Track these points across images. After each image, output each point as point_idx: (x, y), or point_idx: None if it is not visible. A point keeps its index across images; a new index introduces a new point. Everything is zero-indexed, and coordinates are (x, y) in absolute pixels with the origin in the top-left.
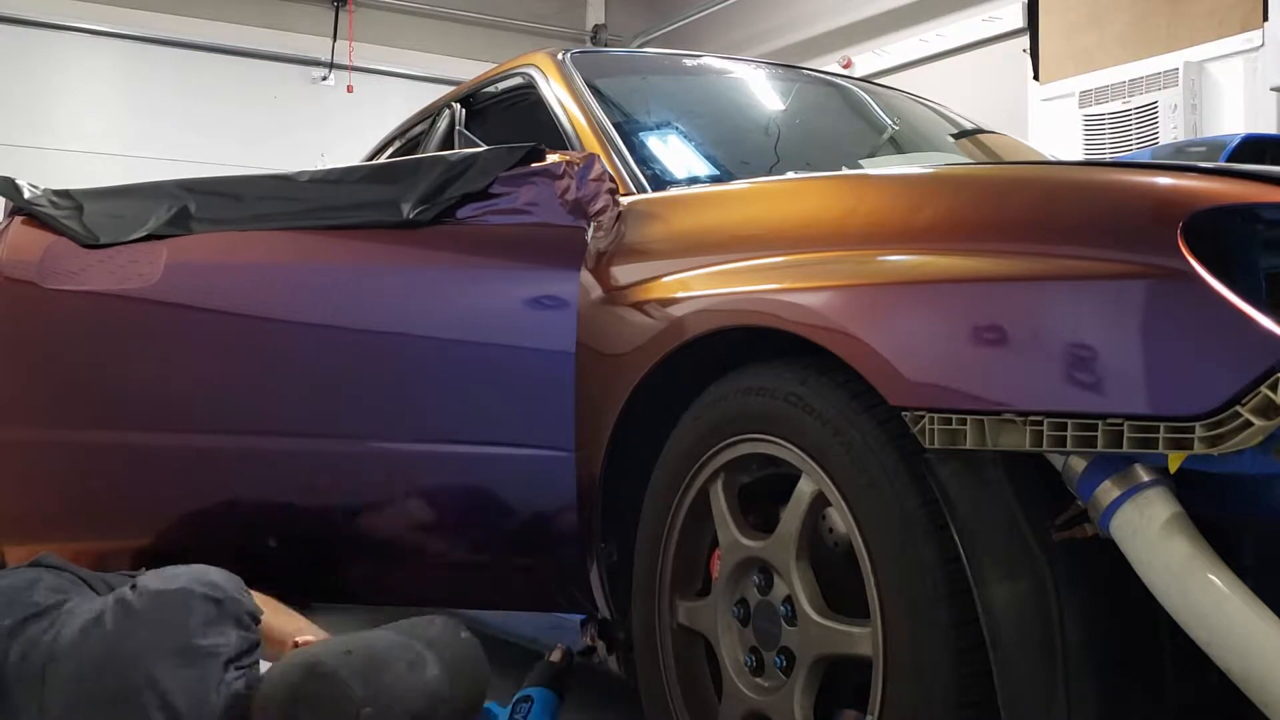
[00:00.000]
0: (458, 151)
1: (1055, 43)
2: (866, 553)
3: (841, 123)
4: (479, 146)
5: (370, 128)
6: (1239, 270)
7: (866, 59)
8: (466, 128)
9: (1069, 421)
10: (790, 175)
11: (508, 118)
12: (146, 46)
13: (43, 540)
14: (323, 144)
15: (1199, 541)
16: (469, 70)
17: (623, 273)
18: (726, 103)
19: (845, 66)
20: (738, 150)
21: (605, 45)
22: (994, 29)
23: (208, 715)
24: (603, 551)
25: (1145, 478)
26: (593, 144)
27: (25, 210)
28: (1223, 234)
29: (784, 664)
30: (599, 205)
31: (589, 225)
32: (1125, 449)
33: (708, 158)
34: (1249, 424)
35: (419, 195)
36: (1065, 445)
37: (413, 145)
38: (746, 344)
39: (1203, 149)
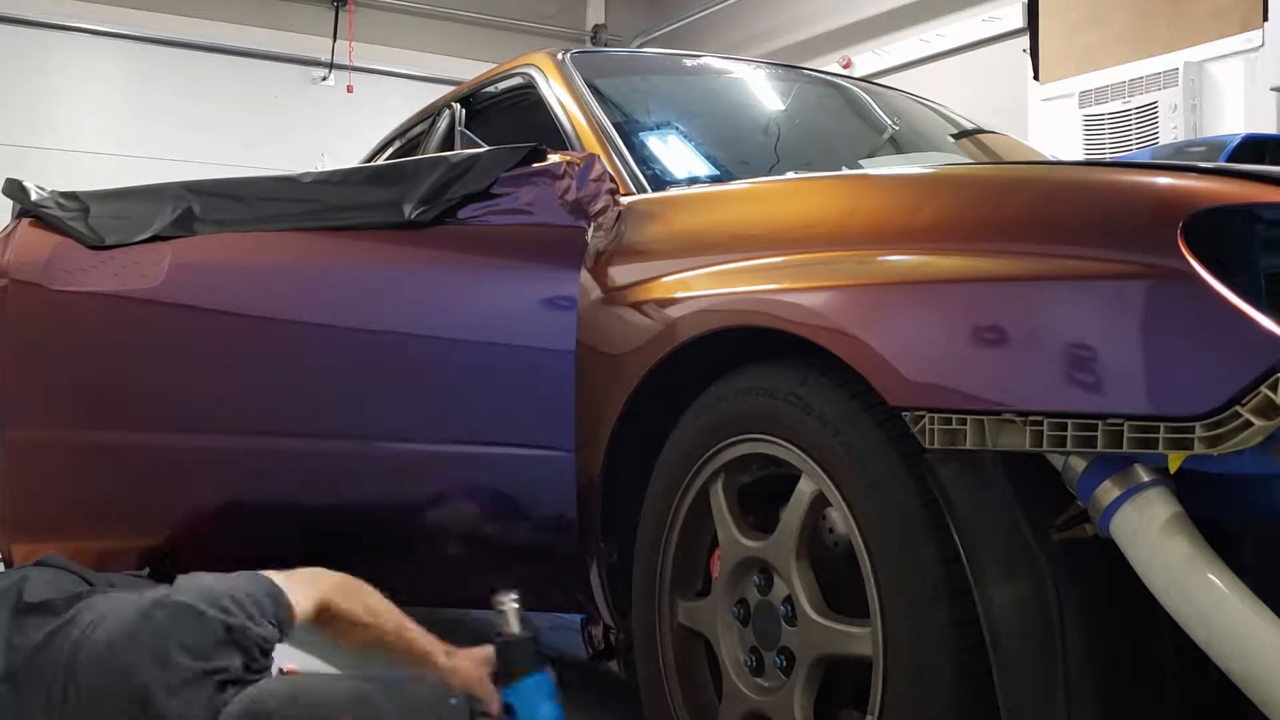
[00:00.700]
0: (459, 152)
1: (1055, 43)
2: (866, 553)
3: (841, 123)
4: (481, 147)
5: (370, 128)
6: (1239, 270)
7: (866, 59)
8: (467, 128)
9: (1069, 421)
10: (790, 175)
11: (508, 118)
12: (147, 46)
13: (49, 539)
14: (323, 144)
15: (1199, 541)
16: (469, 70)
17: (623, 273)
18: (726, 103)
19: (845, 66)
20: (737, 150)
21: (605, 45)
22: (994, 29)
23: None
24: (603, 551)
25: (1145, 478)
26: (593, 144)
27: (32, 212)
28: (1223, 234)
29: (784, 664)
30: (599, 205)
31: (589, 225)
32: (1125, 449)
33: (708, 158)
34: (1249, 424)
35: (420, 196)
36: (1065, 445)
37: (413, 145)
38: (747, 344)
39: (1203, 149)
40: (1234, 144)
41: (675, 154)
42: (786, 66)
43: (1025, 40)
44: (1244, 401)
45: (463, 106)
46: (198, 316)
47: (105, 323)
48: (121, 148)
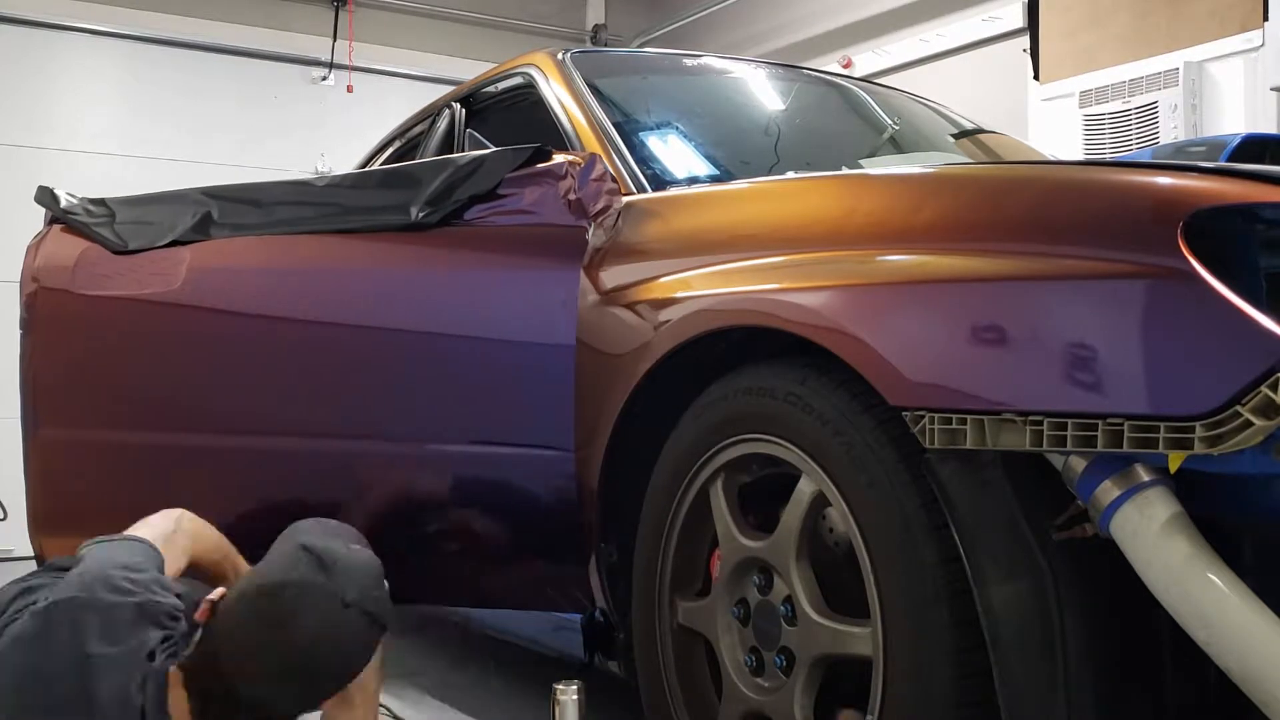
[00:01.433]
0: (465, 154)
1: (1055, 43)
2: (866, 553)
3: (841, 123)
4: (486, 148)
5: (370, 128)
6: (1239, 270)
7: (866, 59)
8: (467, 128)
9: (1069, 421)
10: (790, 175)
11: (508, 118)
12: (147, 46)
13: (79, 536)
14: (323, 144)
15: (1199, 541)
16: (469, 70)
17: (623, 272)
18: (726, 103)
19: (845, 66)
20: (738, 150)
21: (605, 45)
22: (994, 29)
23: (136, 705)
24: (603, 551)
25: (1145, 478)
26: (593, 144)
27: (62, 219)
28: (1223, 234)
29: (784, 664)
30: (600, 205)
31: (590, 225)
32: (1125, 449)
33: (708, 157)
34: (1249, 424)
35: (427, 198)
36: (1065, 445)
37: (413, 145)
38: (747, 344)
39: (1203, 149)
40: (1234, 144)
41: (675, 154)
42: (786, 66)
43: (1025, 40)
44: (1244, 401)
45: (463, 106)
46: (212, 318)
47: (129, 326)
48: (121, 147)
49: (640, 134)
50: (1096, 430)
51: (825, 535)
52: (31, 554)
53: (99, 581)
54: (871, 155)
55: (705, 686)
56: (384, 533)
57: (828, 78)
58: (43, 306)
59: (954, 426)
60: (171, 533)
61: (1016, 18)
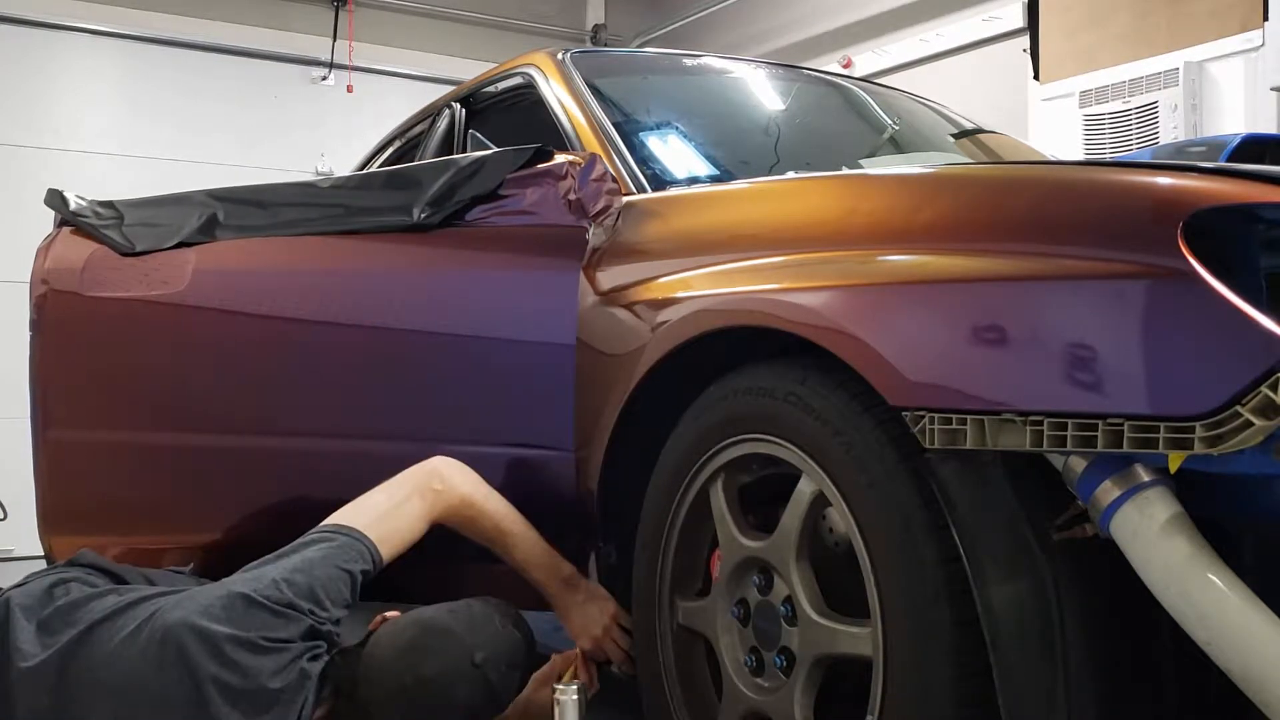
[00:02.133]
0: (467, 155)
1: (1055, 43)
2: (866, 553)
3: (841, 123)
4: (489, 148)
5: (370, 128)
6: (1239, 270)
7: (866, 59)
8: (466, 128)
9: (1069, 421)
10: (790, 175)
11: (508, 118)
12: (146, 46)
13: (86, 535)
14: (322, 144)
15: (1199, 541)
16: (469, 70)
17: (623, 272)
18: (726, 103)
19: (845, 66)
20: (737, 150)
21: (605, 45)
22: (994, 29)
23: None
24: (603, 551)
25: (1145, 478)
26: (593, 144)
27: (71, 222)
28: (1223, 234)
29: (784, 664)
30: (600, 205)
31: (590, 225)
32: (1125, 449)
33: (708, 157)
34: (1249, 424)
35: (428, 199)
36: (1065, 445)
37: (413, 145)
38: (747, 344)
39: (1203, 149)
40: (1234, 144)
41: (675, 154)
42: (786, 66)
43: (1025, 40)
44: (1244, 401)
45: (463, 106)
46: (218, 319)
47: (137, 327)
48: (121, 148)
49: (640, 134)
50: (1096, 430)
51: (825, 535)
52: (32, 554)
53: (252, 580)
54: (871, 155)
55: (705, 686)
56: None
57: (828, 78)
58: (52, 308)
59: (954, 427)
60: (399, 503)
61: (1016, 18)
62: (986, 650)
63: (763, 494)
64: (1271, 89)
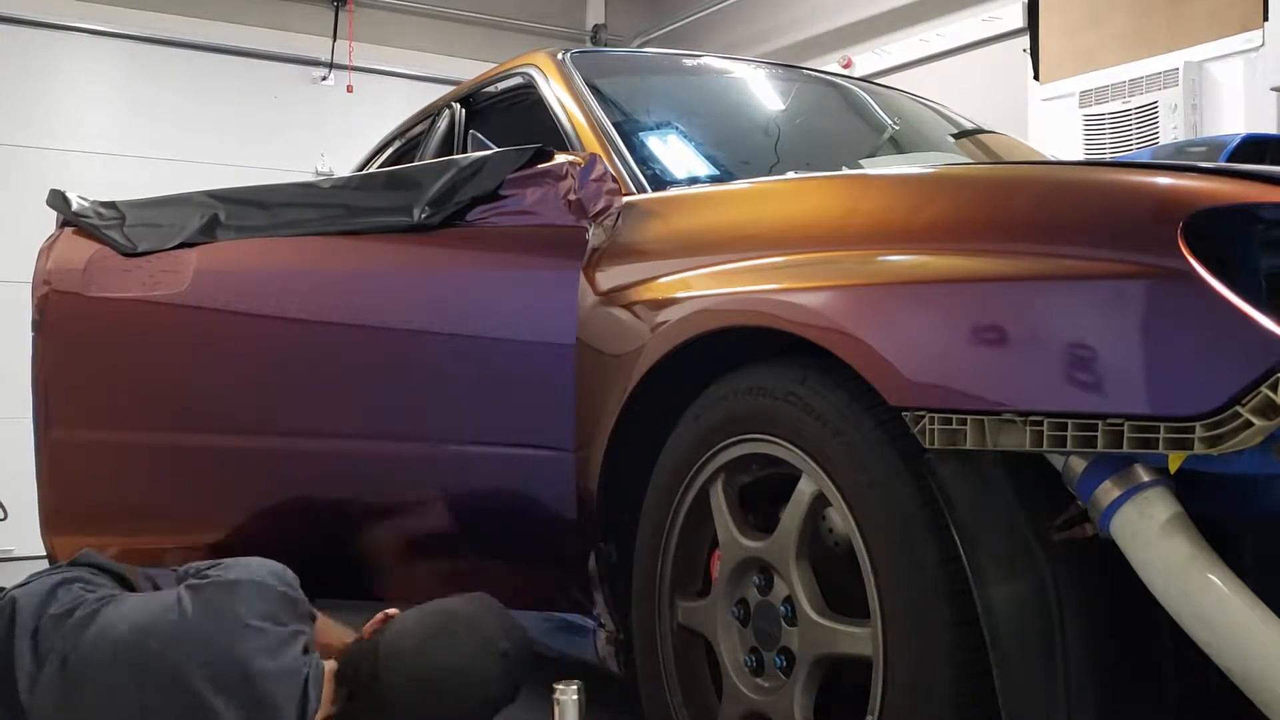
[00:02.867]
0: (468, 155)
1: (1055, 43)
2: (866, 553)
3: (841, 123)
4: (490, 148)
5: (370, 128)
6: (1239, 270)
7: (866, 59)
8: (466, 128)
9: (1069, 421)
10: (790, 175)
11: (508, 118)
12: (146, 46)
13: (88, 535)
14: (322, 143)
15: (1199, 541)
16: (469, 70)
17: (623, 272)
18: (726, 103)
19: (845, 66)
20: (738, 150)
21: (605, 45)
22: (994, 29)
23: (301, 675)
24: (603, 551)
25: (1145, 478)
26: (593, 144)
27: (73, 222)
28: (1223, 234)
29: (784, 664)
30: (600, 205)
31: (590, 225)
32: (1125, 449)
33: (708, 157)
34: (1249, 424)
35: (429, 199)
36: (1065, 445)
37: (413, 145)
38: (747, 344)
39: (1203, 149)
40: (1234, 144)
41: (675, 154)
42: (786, 66)
43: (1025, 40)
44: (1244, 401)
45: (463, 106)
46: (219, 319)
47: (138, 327)
48: (121, 148)
49: (640, 134)
50: (1096, 430)
51: (825, 535)
52: (32, 554)
53: (269, 572)
54: (871, 155)
55: (705, 686)
56: (385, 532)
57: (828, 78)
58: (54, 308)
59: (954, 427)
60: None
61: (1016, 18)
62: (986, 650)
63: (763, 494)
64: (1271, 89)
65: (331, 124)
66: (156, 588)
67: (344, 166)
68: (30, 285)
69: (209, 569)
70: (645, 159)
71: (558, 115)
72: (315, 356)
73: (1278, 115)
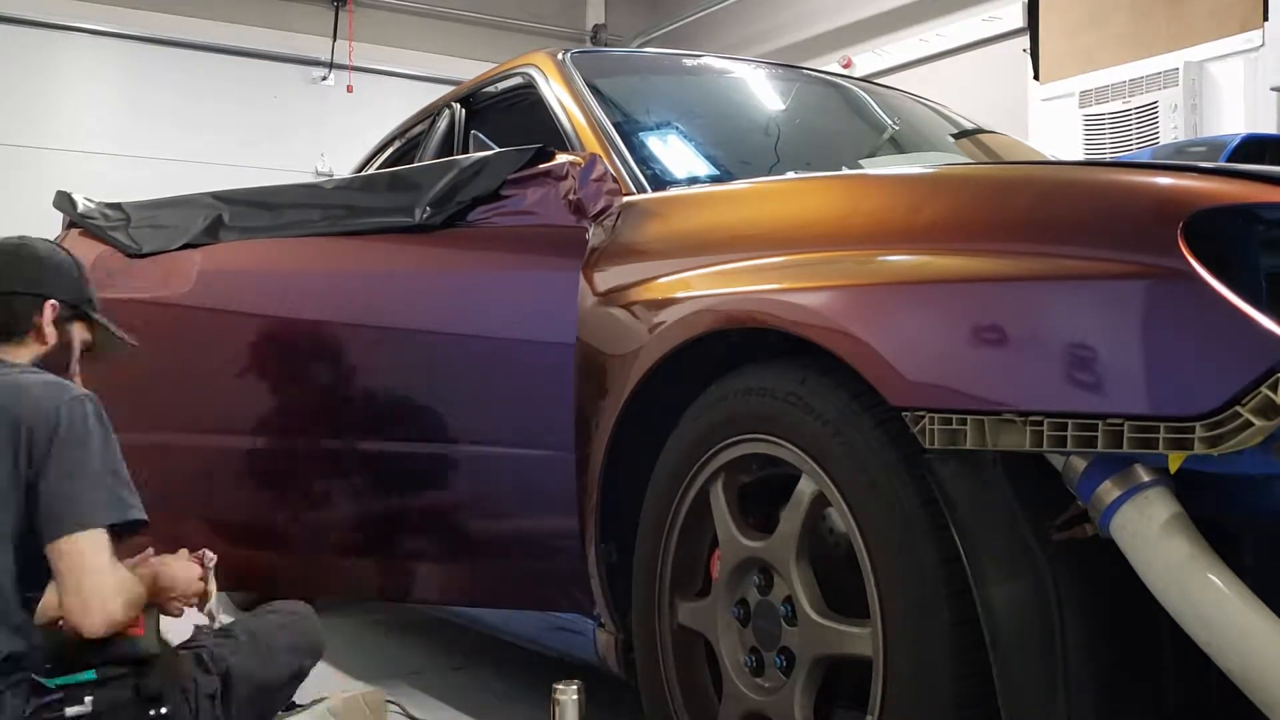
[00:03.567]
0: (469, 155)
1: (1055, 43)
2: (866, 553)
3: (841, 123)
4: (491, 148)
5: (370, 128)
6: (1239, 270)
7: (866, 59)
8: (467, 128)
9: (1069, 421)
10: (790, 175)
11: (508, 118)
12: (147, 46)
13: None
14: (322, 144)
15: (1199, 541)
16: (469, 70)
17: (623, 272)
18: (726, 103)
19: (845, 66)
20: (738, 150)
21: (605, 45)
22: (994, 29)
23: None
24: (603, 551)
25: (1145, 478)
26: (593, 144)
27: (79, 223)
28: (1223, 234)
29: (784, 664)
30: (600, 205)
31: (590, 225)
32: (1125, 449)
33: (708, 157)
34: (1249, 424)
35: (430, 199)
36: (1065, 445)
37: (413, 145)
38: (747, 344)
39: (1203, 149)
40: (1234, 144)
41: (675, 154)
42: (786, 66)
43: (1025, 40)
44: (1244, 401)
45: (463, 106)
46: (222, 319)
47: (143, 327)
48: (121, 148)
49: (640, 134)
50: (1096, 430)
51: (825, 535)
52: None
53: None
54: (871, 155)
55: (705, 686)
56: (385, 532)
57: (828, 78)
58: None
59: (954, 427)
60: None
61: (1016, 18)
62: (986, 650)
63: (763, 494)
64: (1271, 89)
65: (331, 124)
66: None
67: (344, 166)
68: None
69: None
70: (645, 159)
71: (558, 115)
72: (317, 357)
73: (1278, 115)
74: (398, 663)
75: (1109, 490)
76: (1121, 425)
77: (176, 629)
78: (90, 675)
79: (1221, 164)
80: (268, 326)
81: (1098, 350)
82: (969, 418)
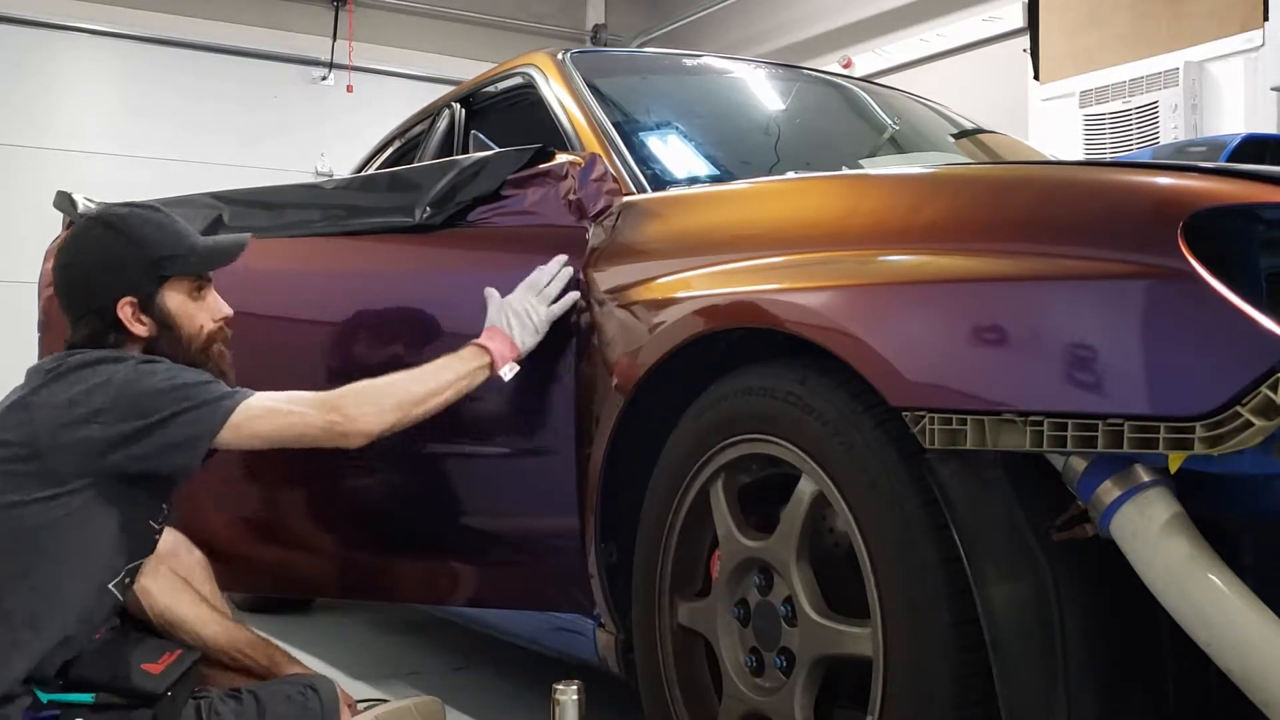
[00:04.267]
0: (469, 155)
1: (1055, 43)
2: (866, 553)
3: (841, 123)
4: (491, 148)
5: (370, 128)
6: (1239, 270)
7: (866, 59)
8: (466, 128)
9: (1069, 421)
10: (790, 175)
11: (507, 118)
12: (146, 46)
13: None
14: (322, 144)
15: (1199, 541)
16: (469, 70)
17: (623, 272)
18: (726, 103)
19: (845, 66)
20: (738, 150)
21: (605, 45)
22: (994, 29)
23: None
24: (603, 551)
25: (1145, 478)
26: (593, 144)
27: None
28: (1223, 234)
29: (784, 664)
30: (600, 205)
31: (590, 225)
32: (1125, 449)
33: (708, 157)
34: (1249, 424)
35: (430, 199)
36: (1065, 445)
37: (412, 145)
38: (747, 344)
39: (1203, 149)
40: (1234, 144)
41: (675, 154)
42: (786, 66)
43: (1025, 40)
44: (1244, 402)
45: (463, 106)
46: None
47: None
48: (121, 148)
49: (640, 134)
50: (1096, 430)
51: (825, 535)
52: None
53: None
54: (871, 155)
55: (705, 686)
56: (385, 533)
57: (828, 78)
58: (58, 311)
59: (954, 427)
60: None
61: (1016, 18)
62: (986, 650)
63: (763, 494)
64: (1271, 89)
65: (331, 124)
66: None
67: (344, 166)
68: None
69: None
70: (645, 159)
71: (558, 115)
72: (317, 356)
73: (1278, 115)
74: (398, 663)
75: (1109, 490)
76: (1121, 425)
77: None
78: (88, 698)
79: (1221, 164)
80: (266, 326)
81: (1098, 350)
82: (969, 418)
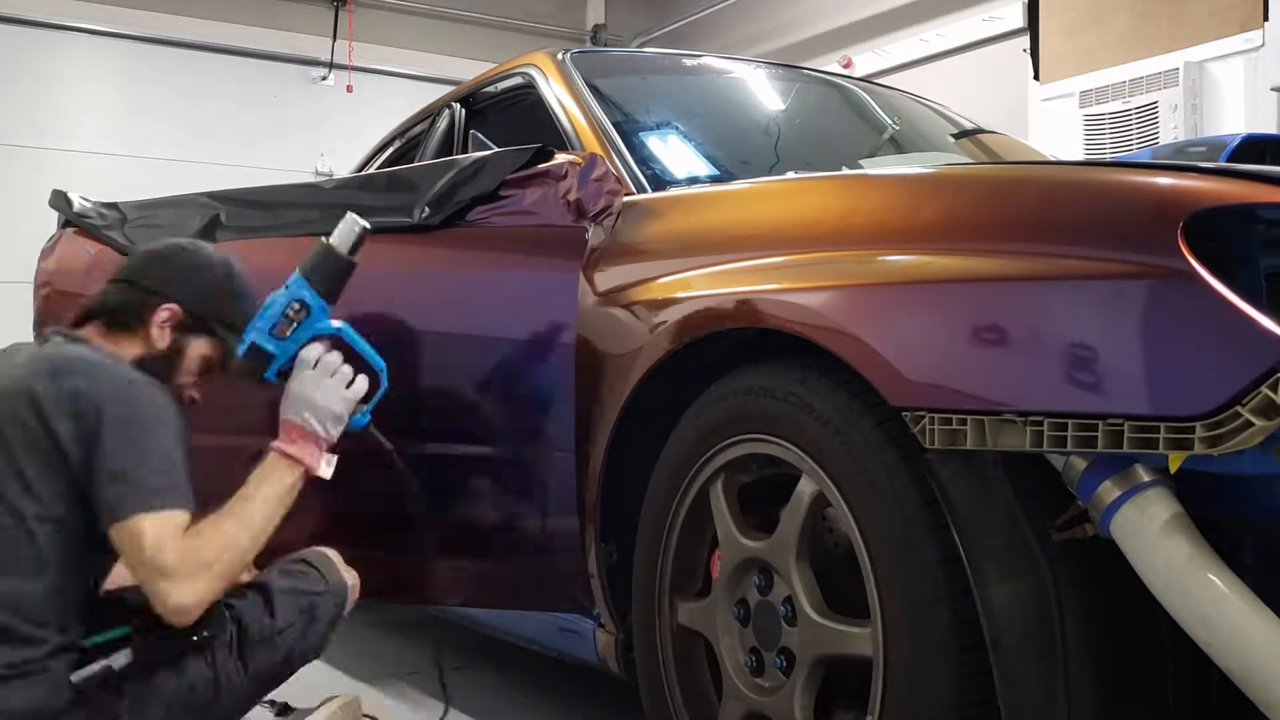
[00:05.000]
0: (468, 155)
1: (1055, 43)
2: (866, 553)
3: (841, 123)
4: (490, 148)
5: (370, 127)
6: (1239, 270)
7: (866, 59)
8: (466, 128)
9: (1069, 421)
10: (790, 175)
11: (507, 118)
12: (146, 46)
13: None
14: (322, 144)
15: (1199, 541)
16: (469, 70)
17: (623, 272)
18: (726, 103)
19: (845, 66)
20: (738, 150)
21: (605, 45)
22: (994, 29)
23: None
24: (603, 551)
25: (1145, 478)
26: (593, 144)
27: (75, 222)
28: (1223, 234)
29: (784, 664)
30: (600, 205)
31: (590, 225)
32: (1125, 449)
33: (708, 157)
34: (1249, 424)
35: (429, 199)
36: (1065, 445)
37: (412, 145)
38: (747, 344)
39: (1203, 149)
40: (1234, 144)
41: (675, 154)
42: (786, 66)
43: (1025, 40)
44: (1244, 402)
45: (463, 106)
46: None
47: None
48: (121, 148)
49: (640, 134)
50: (1097, 430)
51: (825, 535)
52: None
53: None
54: (871, 155)
55: (705, 686)
56: (384, 533)
57: (828, 78)
58: (56, 308)
59: (954, 427)
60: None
61: (1016, 18)
62: (986, 650)
63: (763, 494)
64: (1271, 89)
65: (331, 124)
66: None
67: (344, 166)
68: (30, 285)
69: None
70: (645, 159)
71: (558, 115)
72: None
73: (1278, 115)
74: (398, 663)
75: (1109, 490)
76: (1122, 425)
77: None
78: (124, 630)
79: (1221, 164)
80: None
81: (1098, 350)
82: (969, 418)
